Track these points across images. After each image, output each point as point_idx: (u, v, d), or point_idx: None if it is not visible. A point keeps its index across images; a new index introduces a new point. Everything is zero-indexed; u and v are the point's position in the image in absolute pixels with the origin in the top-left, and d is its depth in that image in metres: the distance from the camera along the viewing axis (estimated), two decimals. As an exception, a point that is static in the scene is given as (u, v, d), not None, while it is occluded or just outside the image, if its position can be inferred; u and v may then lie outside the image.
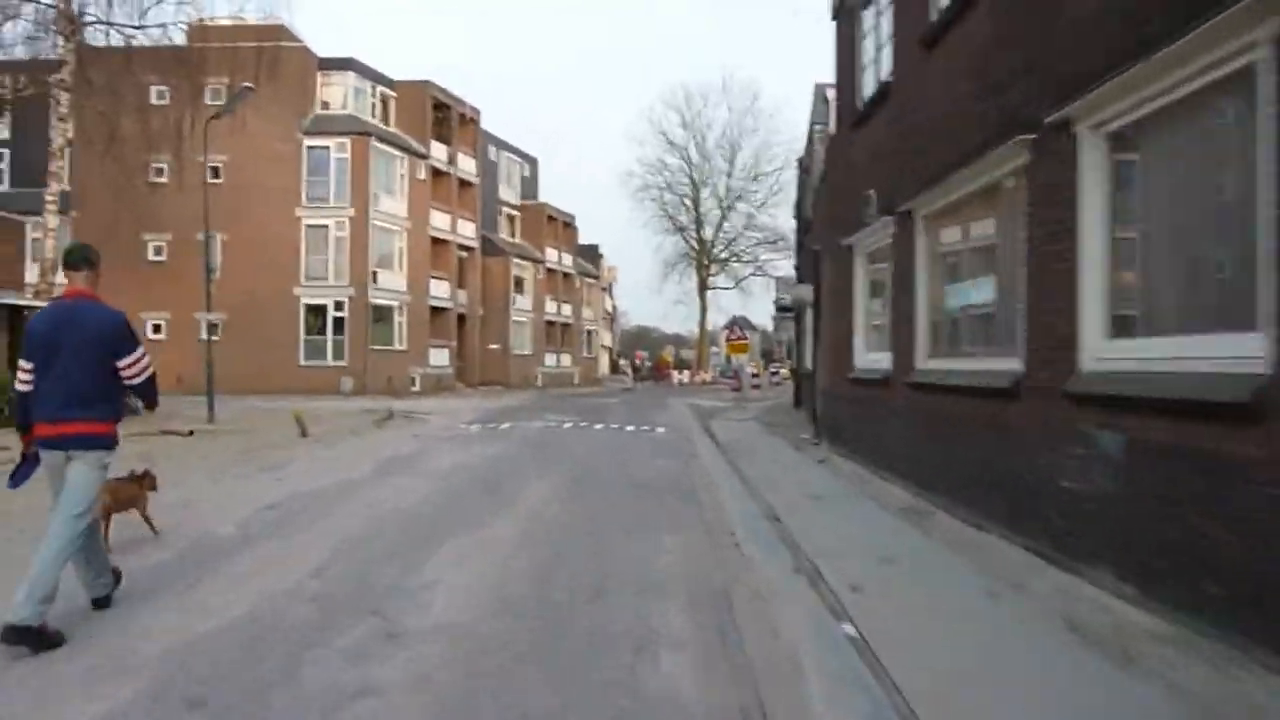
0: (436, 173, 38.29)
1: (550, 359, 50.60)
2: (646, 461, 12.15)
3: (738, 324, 33.32)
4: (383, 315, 34.60)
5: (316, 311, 33.35)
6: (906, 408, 8.80)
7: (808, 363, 21.11)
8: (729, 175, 55.81)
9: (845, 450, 11.77)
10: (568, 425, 17.72)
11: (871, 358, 10.69)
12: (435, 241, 38.22)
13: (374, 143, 33.48)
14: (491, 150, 46.67)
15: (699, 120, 58.45)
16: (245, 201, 32.88)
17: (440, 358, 38.42)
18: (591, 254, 63.84)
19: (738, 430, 17.83)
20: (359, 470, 10.65)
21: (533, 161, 52.36)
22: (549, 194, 52.68)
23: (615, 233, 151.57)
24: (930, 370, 8.33)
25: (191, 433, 14.89)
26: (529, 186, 51.23)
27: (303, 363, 33.08)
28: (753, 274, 57.37)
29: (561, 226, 52.73)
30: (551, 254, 51.06)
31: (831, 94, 18.46)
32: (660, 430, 17.37)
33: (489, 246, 45.01)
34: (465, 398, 31.80)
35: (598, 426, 17.64)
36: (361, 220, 33.09)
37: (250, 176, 33.06)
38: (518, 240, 49.12)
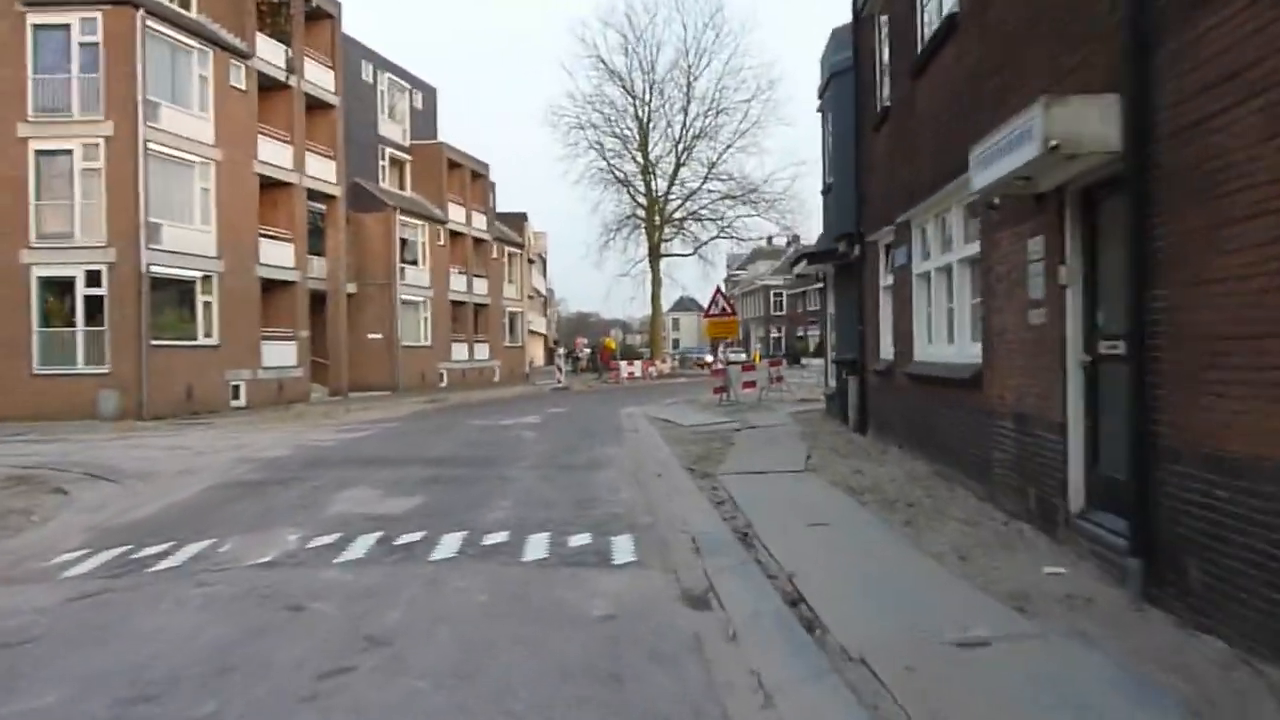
0: (268, 84, 26.76)
1: (459, 351, 39.40)
2: None
3: (719, 293, 22.65)
4: (173, 293, 23.10)
5: (59, 289, 21.74)
6: None
7: (883, 350, 10.52)
8: (685, 110, 45.18)
9: None
10: (342, 565, 5.98)
11: None
12: (269, 184, 26.73)
13: (145, 20, 21.84)
14: (365, 68, 35.18)
15: (646, 40, 47.65)
16: (-61, 117, 21.23)
17: (282, 355, 27.00)
18: (515, 221, 52.70)
19: (855, 557, 7.09)
20: None
21: (429, 91, 40.94)
22: (455, 141, 41.25)
23: (549, 207, 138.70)
24: None
25: None
26: (423, 123, 39.84)
27: (38, 369, 21.47)
28: (719, 235, 46.92)
29: (470, 177, 41.43)
30: (457, 212, 39.77)
31: None
32: (625, 589, 6.08)
33: (362, 197, 33.59)
34: (294, 420, 20.57)
35: (431, 562, 6.09)
36: (128, 143, 21.51)
37: (-52, 78, 21.36)
38: (407, 192, 37.72)
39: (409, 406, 24.97)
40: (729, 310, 22.71)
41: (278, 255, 26.98)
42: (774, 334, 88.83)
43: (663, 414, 19.86)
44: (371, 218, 33.65)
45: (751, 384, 23.29)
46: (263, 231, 26.35)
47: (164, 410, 21.56)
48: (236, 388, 24.77)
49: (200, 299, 23.63)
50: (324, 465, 11.12)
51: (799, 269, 17.98)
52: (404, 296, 34.71)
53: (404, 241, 35.25)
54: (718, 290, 23.03)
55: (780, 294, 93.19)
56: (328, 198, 30.15)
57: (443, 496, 8.48)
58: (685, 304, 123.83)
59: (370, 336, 33.49)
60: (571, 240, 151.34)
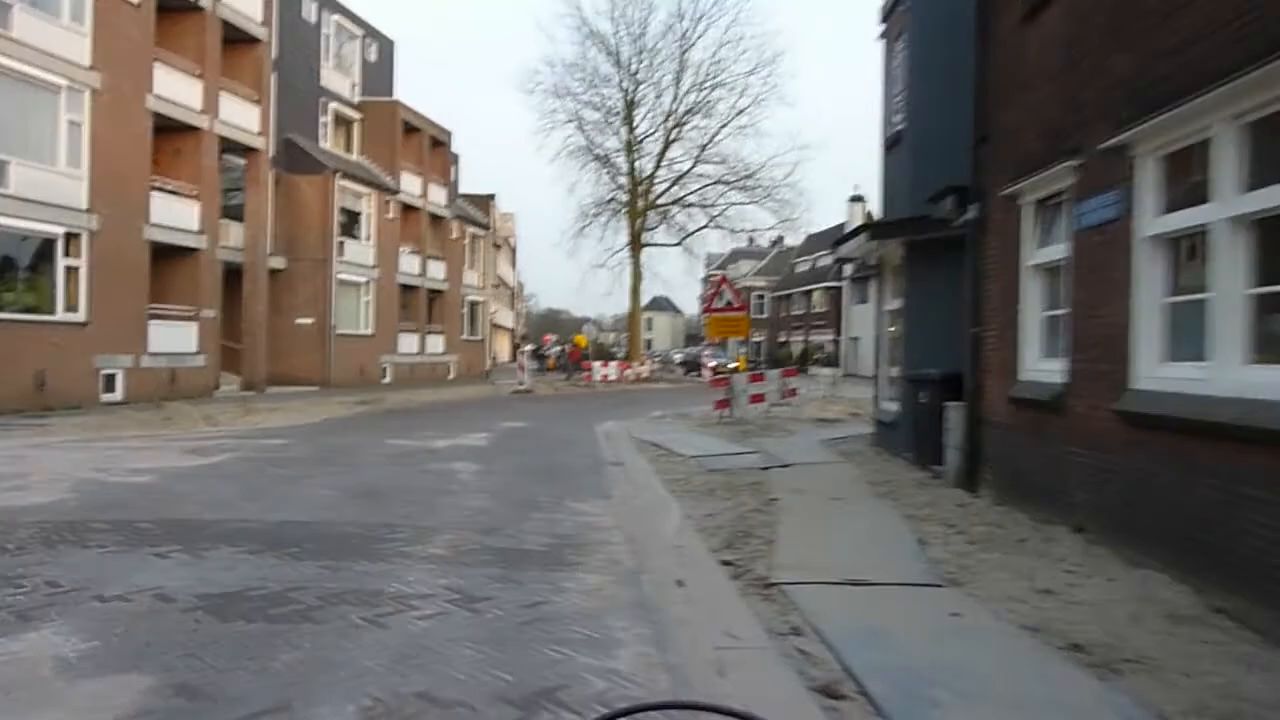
0: (174, 4, 21.72)
1: (408, 343, 34.47)
2: None
3: (724, 283, 18.06)
4: (22, 252, 18.11)
5: None
6: None
7: (1026, 366, 5.91)
8: (677, 82, 40.58)
9: None
10: None
11: None
12: (168, 126, 21.72)
13: (-6, -106, 16.82)
14: (306, 4, 30.13)
15: (636, 0, 42.89)
16: None
17: (177, 338, 21.99)
18: (481, 203, 47.86)
19: None
20: None
21: (385, 43, 35.94)
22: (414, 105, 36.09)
23: (519, 197, 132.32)
24: None
25: None
26: (377, 79, 34.85)
27: None
28: (708, 225, 42.41)
29: (429, 144, 36.49)
30: (411, 183, 34.81)
31: None
32: None
33: (296, 156, 28.60)
34: (158, 425, 15.54)
35: None
36: (-38, 51, 16.49)
37: None
38: (354, 156, 32.73)
39: (329, 409, 20.10)
40: (737, 304, 18.12)
41: (177, 215, 21.95)
42: (755, 338, 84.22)
43: (652, 433, 15.25)
44: (306, 180, 28.65)
45: (760, 397, 18.76)
46: (157, 184, 21.33)
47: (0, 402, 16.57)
48: (110, 377, 19.76)
49: (62, 262, 18.59)
50: (63, 538, 6.24)
51: (849, 248, 13.37)
52: (342, 276, 29.73)
53: (346, 212, 30.28)
54: (723, 279, 18.45)
55: (763, 296, 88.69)
56: (249, 150, 25.12)
57: (178, 701, 3.66)
58: (660, 303, 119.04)
59: (299, 321, 28.52)
60: (542, 233, 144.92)
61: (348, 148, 32.71)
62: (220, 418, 16.60)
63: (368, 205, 31.36)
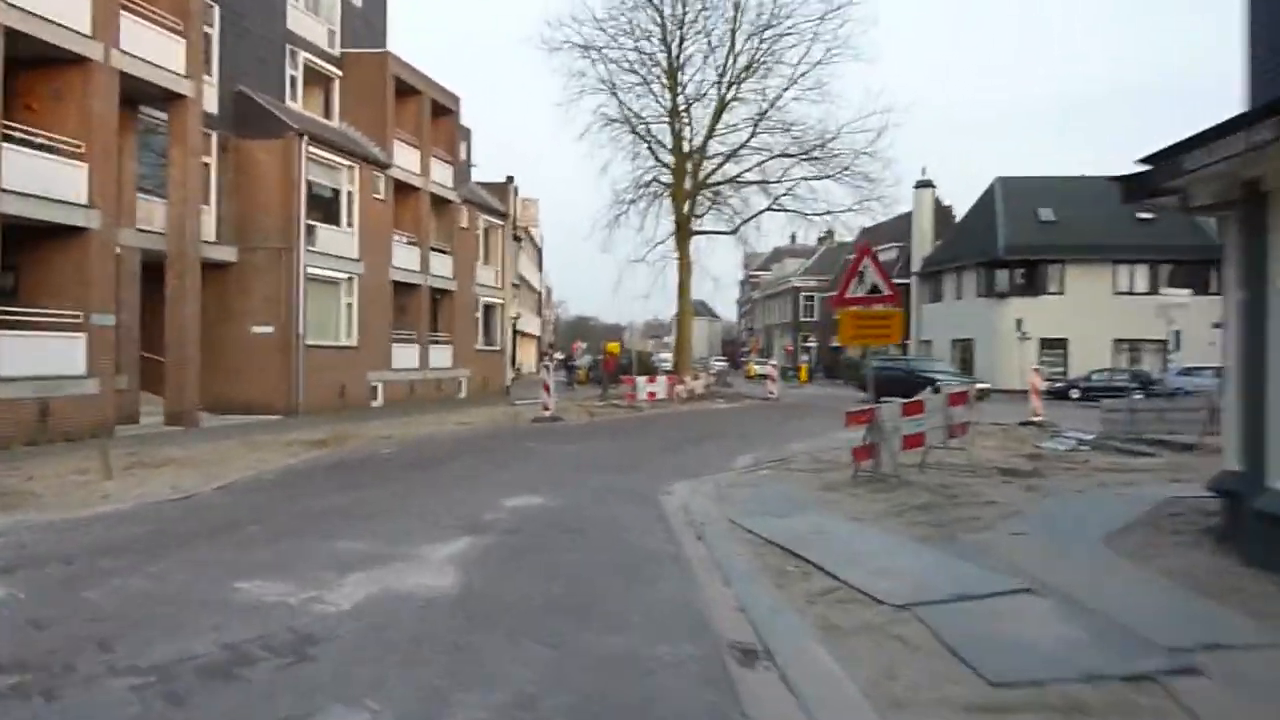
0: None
1: (405, 355, 27.95)
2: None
3: (866, 254, 11.37)
4: None
5: None
6: None
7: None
8: (733, 32, 33.75)
9: None
10: None
11: None
12: (34, 54, 15.37)
13: None
14: (264, -76, 23.76)
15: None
16: None
17: (51, 357, 15.57)
18: (498, 190, 41.47)
19: None
20: None
21: (375, -13, 29.52)
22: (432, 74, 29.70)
23: (541, 198, 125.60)
24: None
25: None
26: (363, 29, 28.42)
27: None
28: (771, 207, 35.51)
29: (431, 110, 29.99)
30: (407, 156, 28.32)
31: None
32: None
33: (250, 115, 22.23)
34: None
35: None
36: None
37: None
38: (332, 121, 26.32)
39: (260, 457, 13.58)
40: (886, 290, 11.37)
41: (51, 180, 15.53)
42: (807, 344, 76.88)
43: (765, 515, 8.55)
44: (263, 147, 22.21)
45: (918, 439, 11.98)
46: (14, 133, 14.97)
47: None
48: (-69, 417, 13.37)
49: None
50: None
51: (1216, 155, 6.44)
52: (314, 270, 23.24)
53: (319, 189, 23.84)
54: (865, 249, 11.65)
55: (812, 297, 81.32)
56: (172, 98, 18.69)
57: None
58: (695, 308, 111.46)
59: (255, 330, 22.10)
60: (570, 233, 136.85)
61: (325, 111, 26.32)
62: (38, 493, 10.06)
63: (349, 181, 24.89)
